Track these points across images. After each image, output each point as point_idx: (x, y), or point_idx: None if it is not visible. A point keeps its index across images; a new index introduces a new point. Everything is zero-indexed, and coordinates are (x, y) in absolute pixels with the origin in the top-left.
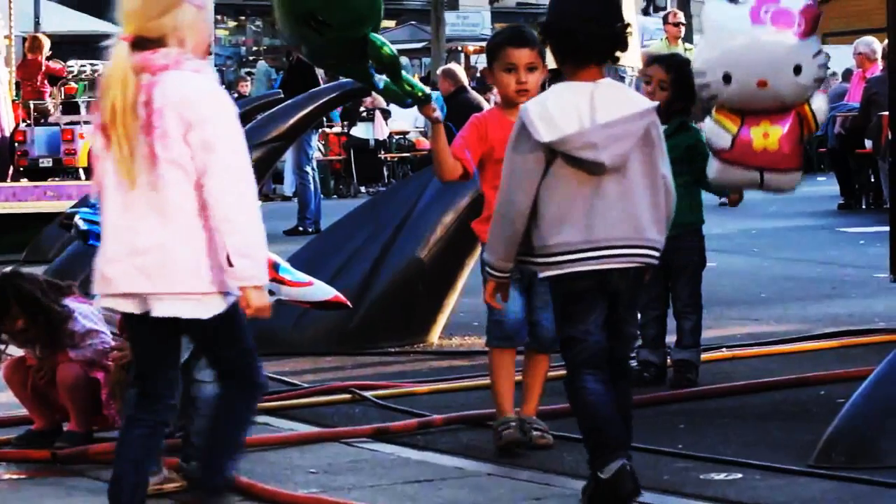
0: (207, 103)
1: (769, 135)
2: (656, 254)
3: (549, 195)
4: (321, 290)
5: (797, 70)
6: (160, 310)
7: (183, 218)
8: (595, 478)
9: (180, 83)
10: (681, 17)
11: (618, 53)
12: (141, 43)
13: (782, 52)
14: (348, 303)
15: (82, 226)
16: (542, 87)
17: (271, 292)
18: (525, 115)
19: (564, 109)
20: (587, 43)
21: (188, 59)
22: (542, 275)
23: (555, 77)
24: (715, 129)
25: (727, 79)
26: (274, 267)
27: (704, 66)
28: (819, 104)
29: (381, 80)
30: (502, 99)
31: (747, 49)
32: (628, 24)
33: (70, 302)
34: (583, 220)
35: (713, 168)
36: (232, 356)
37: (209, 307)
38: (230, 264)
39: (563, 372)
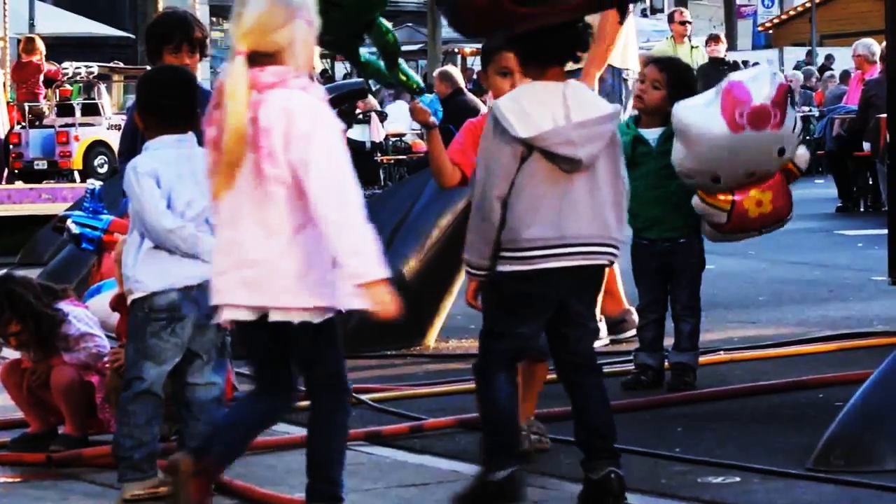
0: (308, 119)
1: (762, 202)
2: (618, 252)
3: (520, 191)
4: None
5: (781, 152)
6: (276, 315)
7: (286, 233)
8: (484, 476)
9: (285, 100)
10: (687, 15)
11: (623, 58)
12: (255, 58)
13: (766, 147)
14: (341, 308)
15: (74, 230)
16: None
17: None
18: (498, 111)
19: (539, 107)
20: (549, 44)
21: (296, 76)
22: (505, 268)
23: None
24: (708, 209)
25: (716, 179)
26: None
27: (691, 173)
28: (799, 153)
29: (371, 57)
30: None
31: (732, 156)
32: (589, 25)
33: (64, 305)
34: (553, 216)
35: (711, 234)
36: (330, 362)
37: (317, 315)
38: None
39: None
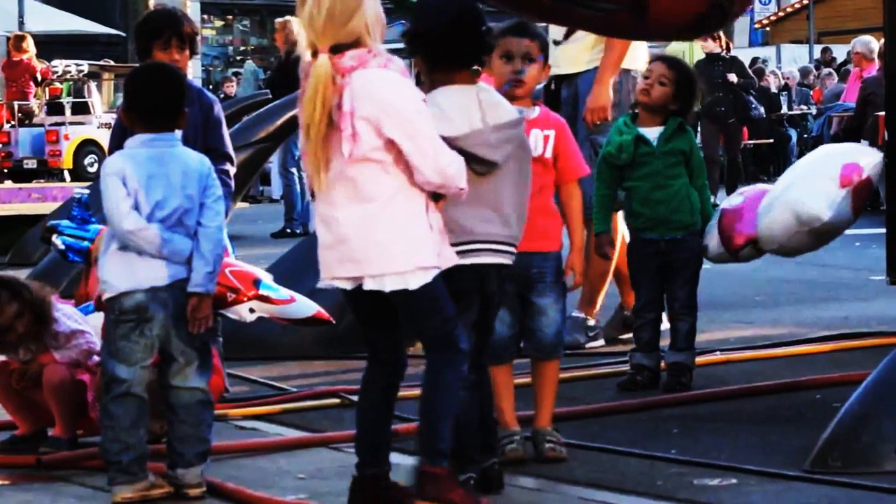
0: (394, 95)
1: None
2: (515, 251)
3: None
4: (303, 307)
5: None
6: (369, 284)
7: (378, 203)
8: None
9: (367, 81)
10: None
11: (632, 58)
12: (337, 49)
13: None
14: (331, 318)
15: (60, 245)
16: (548, 91)
17: (252, 310)
18: None
19: (457, 109)
20: (456, 48)
21: (374, 56)
22: None
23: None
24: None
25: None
26: (255, 283)
27: (790, 252)
28: None
29: None
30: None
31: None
32: (491, 28)
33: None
34: (464, 218)
35: (717, 258)
36: (435, 324)
37: (412, 280)
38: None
39: (567, 375)
